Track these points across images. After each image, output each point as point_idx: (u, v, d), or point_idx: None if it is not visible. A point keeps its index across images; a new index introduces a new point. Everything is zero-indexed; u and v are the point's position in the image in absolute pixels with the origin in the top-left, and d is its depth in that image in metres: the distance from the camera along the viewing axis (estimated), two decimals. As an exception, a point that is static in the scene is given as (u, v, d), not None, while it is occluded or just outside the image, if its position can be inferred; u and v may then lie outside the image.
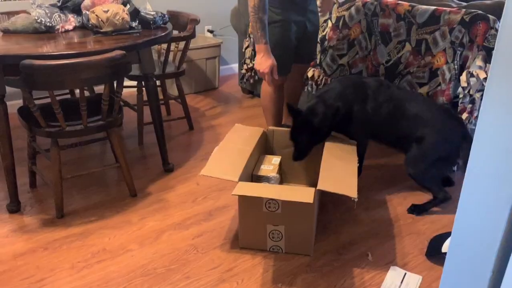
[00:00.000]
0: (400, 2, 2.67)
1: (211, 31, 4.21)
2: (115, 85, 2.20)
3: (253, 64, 3.56)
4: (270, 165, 2.19)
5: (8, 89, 1.99)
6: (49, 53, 1.94)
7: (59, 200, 2.14)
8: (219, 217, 2.19)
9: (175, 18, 3.03)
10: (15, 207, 2.19)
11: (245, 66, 3.65)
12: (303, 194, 1.75)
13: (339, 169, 2.00)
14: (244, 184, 1.84)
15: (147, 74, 2.38)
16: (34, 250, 1.95)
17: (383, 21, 2.71)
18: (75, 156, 2.77)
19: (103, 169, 2.58)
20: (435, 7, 2.50)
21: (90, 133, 2.11)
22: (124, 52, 1.97)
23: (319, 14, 2.64)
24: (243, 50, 3.63)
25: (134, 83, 2.94)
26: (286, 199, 1.76)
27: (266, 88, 2.60)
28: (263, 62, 2.25)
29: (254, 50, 3.53)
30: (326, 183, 1.81)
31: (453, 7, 2.49)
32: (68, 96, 3.04)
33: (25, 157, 2.39)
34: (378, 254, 1.94)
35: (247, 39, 3.55)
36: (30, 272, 1.82)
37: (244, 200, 1.87)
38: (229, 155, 2.04)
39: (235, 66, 4.34)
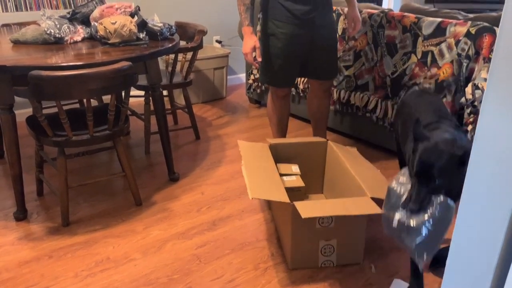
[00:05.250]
0: (406, 14, 2.68)
1: (219, 42, 4.24)
2: (122, 95, 2.23)
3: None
4: (293, 175, 2.20)
5: (17, 98, 2.02)
6: (57, 64, 1.97)
7: (65, 209, 2.16)
8: (223, 227, 2.20)
9: (183, 29, 3.07)
10: (21, 215, 2.22)
11: (252, 77, 3.67)
12: (366, 205, 1.77)
13: (369, 174, 2.05)
14: (303, 204, 1.77)
15: (154, 84, 2.41)
16: (39, 258, 1.97)
17: (389, 32, 2.71)
18: (81, 165, 2.80)
19: (109, 178, 2.61)
20: (441, 19, 2.50)
21: (96, 142, 2.13)
22: (131, 63, 2.00)
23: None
24: (250, 60, 3.65)
25: (142, 93, 2.97)
26: (357, 213, 1.75)
27: (270, 98, 2.62)
28: (246, 43, 2.29)
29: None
30: (373, 190, 1.84)
31: (459, 19, 2.49)
32: (77, 105, 3.09)
33: (33, 165, 2.43)
34: (381, 267, 1.93)
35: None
36: (34, 280, 1.83)
37: (296, 220, 1.80)
38: (261, 174, 2.02)
39: (243, 76, 4.37)
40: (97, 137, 2.13)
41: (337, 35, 2.76)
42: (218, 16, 4.18)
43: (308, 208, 1.75)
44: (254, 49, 2.27)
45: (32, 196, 2.42)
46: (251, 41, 2.27)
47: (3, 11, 3.20)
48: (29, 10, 3.27)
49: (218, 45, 4.23)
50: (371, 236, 2.13)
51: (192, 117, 3.14)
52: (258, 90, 3.70)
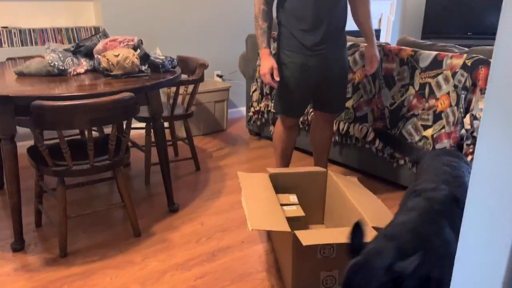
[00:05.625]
0: (403, 47, 2.74)
1: (220, 76, 4.32)
2: (123, 125, 2.25)
3: (260, 107, 3.64)
4: (293, 205, 2.19)
5: (19, 129, 2.05)
6: (59, 95, 2.00)
7: (63, 239, 2.14)
8: (222, 258, 2.17)
9: (184, 62, 3.13)
10: (19, 246, 2.20)
11: (252, 109, 3.71)
12: (368, 233, 1.74)
13: (370, 204, 2.04)
14: (304, 232, 1.75)
15: (155, 115, 2.44)
16: (35, 290, 1.94)
17: (387, 65, 2.76)
18: (81, 195, 2.80)
19: (108, 208, 2.60)
20: (437, 52, 2.55)
21: (96, 172, 2.14)
22: (132, 94, 2.03)
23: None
24: (251, 93, 3.70)
25: (143, 124, 3.00)
26: None
27: (277, 127, 2.63)
28: (263, 65, 2.31)
29: (261, 93, 3.62)
30: (374, 219, 1.84)
31: (455, 52, 2.54)
32: (78, 137, 3.11)
33: (32, 197, 2.42)
34: None
35: (254, 83, 3.64)
36: (29, 312, 1.80)
37: (297, 249, 1.79)
38: (261, 204, 2.01)
39: (243, 109, 4.42)
40: (97, 167, 2.13)
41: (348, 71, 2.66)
42: (219, 51, 4.27)
43: (309, 236, 1.73)
44: (272, 70, 2.30)
45: (31, 227, 2.41)
46: (268, 62, 2.30)
47: (9, 46, 3.27)
48: (34, 45, 3.35)
49: (219, 79, 4.30)
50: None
51: (192, 148, 3.15)
52: (258, 122, 3.74)
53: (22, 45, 3.30)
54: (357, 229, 1.33)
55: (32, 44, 3.35)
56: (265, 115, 3.63)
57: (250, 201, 2.02)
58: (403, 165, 2.80)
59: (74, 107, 1.91)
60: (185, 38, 4.05)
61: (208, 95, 3.87)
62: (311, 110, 3.22)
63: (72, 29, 3.49)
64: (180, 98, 3.20)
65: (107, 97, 1.96)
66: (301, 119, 3.30)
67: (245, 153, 3.58)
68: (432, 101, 2.56)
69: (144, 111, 2.88)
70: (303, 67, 2.37)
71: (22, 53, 3.10)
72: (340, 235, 1.79)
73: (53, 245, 2.25)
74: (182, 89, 3.05)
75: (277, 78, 2.31)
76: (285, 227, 1.79)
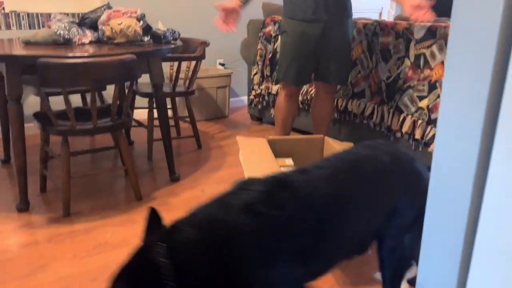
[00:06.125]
0: (398, 22, 2.80)
1: (222, 64, 4.40)
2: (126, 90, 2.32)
3: (261, 90, 3.71)
4: (289, 167, 2.24)
5: (26, 112, 2.12)
6: (64, 55, 2.08)
7: (67, 198, 2.20)
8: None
9: (186, 43, 3.21)
10: (23, 206, 2.26)
11: (253, 92, 3.78)
12: None
13: None
14: None
15: (157, 83, 2.51)
16: (38, 242, 1.99)
17: (383, 39, 2.83)
18: (85, 166, 2.86)
19: (111, 175, 2.67)
20: (431, 24, 2.62)
21: (99, 132, 2.21)
22: (134, 56, 2.11)
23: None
24: (252, 77, 3.78)
25: (146, 104, 3.08)
26: None
27: (279, 96, 2.72)
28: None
29: (261, 76, 3.69)
30: None
31: (449, 22, 2.60)
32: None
33: (37, 169, 2.49)
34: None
35: (255, 66, 3.71)
36: (33, 259, 1.85)
37: None
38: (258, 162, 2.07)
39: (245, 98, 4.48)
40: (100, 128, 2.20)
41: (351, 43, 2.66)
42: (221, 40, 4.35)
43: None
44: (228, 9, 2.39)
45: (36, 193, 2.47)
46: (232, 1, 2.41)
47: (17, 29, 3.37)
48: (41, 28, 3.45)
49: (221, 67, 4.39)
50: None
51: (194, 126, 3.22)
52: (260, 106, 3.80)
53: (30, 28, 3.40)
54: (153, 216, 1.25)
55: (39, 27, 3.45)
56: (266, 98, 3.70)
57: (247, 157, 2.08)
58: (400, 138, 2.85)
59: (78, 65, 1.99)
60: (187, 26, 4.14)
61: (210, 80, 3.95)
62: (310, 88, 3.29)
63: (78, 14, 3.59)
64: (182, 79, 3.28)
65: (110, 57, 2.04)
66: (301, 98, 3.36)
67: (246, 135, 3.64)
68: (427, 72, 2.62)
69: (146, 87, 2.96)
70: (303, 36, 2.44)
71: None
72: None
73: (56, 207, 2.30)
74: (184, 67, 3.12)
75: (232, 28, 2.40)
76: None
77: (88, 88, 2.96)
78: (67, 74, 2.00)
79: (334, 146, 2.31)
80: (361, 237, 1.34)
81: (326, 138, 2.44)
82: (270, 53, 3.54)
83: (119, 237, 2.04)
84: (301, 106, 3.43)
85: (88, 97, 3.16)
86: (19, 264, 1.82)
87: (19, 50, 2.24)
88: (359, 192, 1.26)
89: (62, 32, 2.40)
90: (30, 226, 2.13)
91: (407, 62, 2.72)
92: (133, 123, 3.15)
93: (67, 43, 2.44)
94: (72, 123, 2.14)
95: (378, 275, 1.73)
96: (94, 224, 2.15)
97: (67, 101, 2.08)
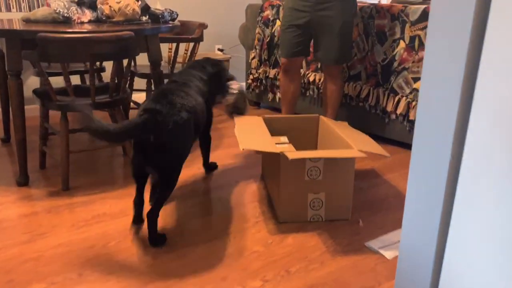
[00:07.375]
0: (394, 4, 2.84)
1: (221, 50, 4.43)
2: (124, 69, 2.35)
3: (258, 74, 3.74)
4: (284, 144, 2.29)
5: (27, 96, 2.15)
6: (63, 30, 2.11)
7: (65, 173, 2.25)
8: (217, 193, 2.27)
9: (184, 26, 3.24)
10: (23, 180, 2.31)
11: (251, 76, 3.82)
12: (352, 152, 1.87)
13: (359, 137, 2.16)
14: (291, 152, 1.85)
15: (155, 61, 2.54)
16: (38, 212, 2.04)
17: (379, 22, 2.86)
18: (84, 145, 2.91)
19: (109, 151, 2.71)
20: (426, 5, 2.65)
21: (97, 107, 2.24)
22: (133, 33, 2.15)
23: None
24: (250, 61, 3.81)
25: (144, 87, 3.12)
26: (342, 156, 1.87)
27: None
28: None
29: (259, 60, 3.72)
30: (360, 146, 1.92)
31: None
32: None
33: (36, 148, 2.53)
34: (369, 221, 1.98)
35: (253, 50, 3.75)
36: (33, 227, 1.90)
37: (285, 171, 1.89)
38: (253, 134, 2.13)
39: (243, 84, 4.52)
40: (98, 103, 2.24)
41: (351, 24, 2.68)
42: (220, 25, 4.39)
43: (296, 154, 1.83)
44: None
45: (35, 169, 2.51)
46: None
47: (17, 11, 3.40)
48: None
49: (220, 53, 4.42)
50: (361, 197, 2.19)
51: (192, 108, 3.25)
52: (257, 90, 3.84)
53: (30, 10, 3.42)
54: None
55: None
56: (264, 82, 3.73)
57: (243, 130, 2.13)
58: (395, 119, 2.89)
59: (77, 40, 2.02)
60: (185, 11, 4.17)
61: (208, 65, 3.98)
62: (308, 72, 3.33)
63: (77, -3, 3.62)
64: (181, 63, 3.31)
65: (108, 33, 2.08)
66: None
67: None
68: (422, 53, 2.66)
69: (145, 69, 3.00)
70: (294, 11, 2.61)
71: (29, 16, 3.23)
72: (325, 153, 1.88)
73: (56, 182, 2.35)
74: (182, 50, 3.15)
75: None
76: (274, 149, 1.88)
77: (87, 69, 3.02)
78: (66, 49, 2.03)
79: (329, 124, 2.35)
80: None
81: (321, 117, 2.48)
82: (268, 37, 3.58)
83: (117, 208, 2.09)
84: (311, 93, 3.40)
85: (87, 78, 3.20)
86: (19, 231, 1.87)
87: (19, 27, 2.28)
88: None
89: (61, 11, 2.43)
90: (29, 199, 2.17)
91: (402, 44, 2.75)
92: (132, 105, 3.19)
93: (66, 21, 2.47)
94: (70, 95, 2.18)
95: (369, 244, 1.78)
96: (93, 197, 2.20)
97: (66, 76, 2.11)
